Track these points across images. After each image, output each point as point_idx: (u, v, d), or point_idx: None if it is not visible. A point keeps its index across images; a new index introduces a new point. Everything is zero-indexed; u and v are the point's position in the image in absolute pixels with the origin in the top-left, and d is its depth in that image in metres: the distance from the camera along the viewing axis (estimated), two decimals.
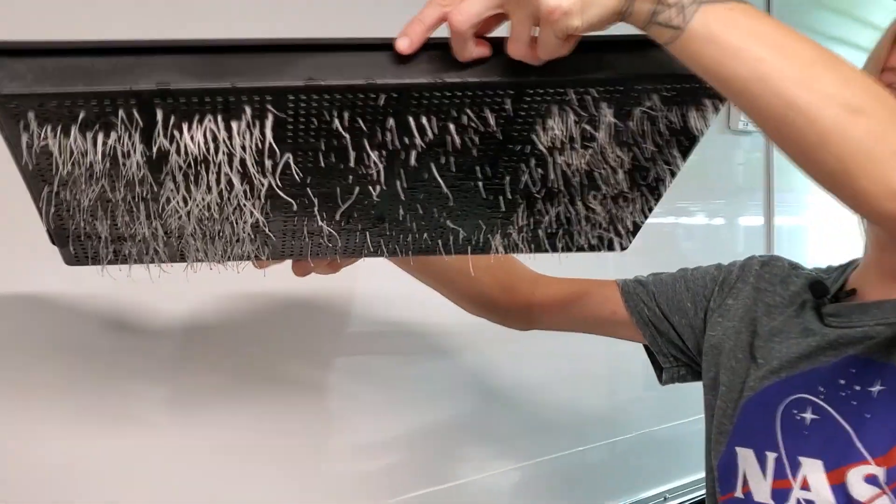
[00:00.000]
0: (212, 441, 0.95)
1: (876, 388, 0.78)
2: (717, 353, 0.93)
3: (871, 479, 0.77)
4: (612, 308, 1.00)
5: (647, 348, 1.02)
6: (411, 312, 1.15)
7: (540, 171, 0.61)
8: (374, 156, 0.55)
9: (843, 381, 0.81)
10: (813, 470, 0.81)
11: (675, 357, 0.99)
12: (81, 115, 0.50)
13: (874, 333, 0.81)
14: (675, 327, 0.98)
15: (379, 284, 1.09)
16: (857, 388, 0.80)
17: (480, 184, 0.62)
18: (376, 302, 1.12)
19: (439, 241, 0.72)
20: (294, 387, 1.05)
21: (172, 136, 0.51)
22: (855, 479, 0.78)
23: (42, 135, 0.50)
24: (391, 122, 0.53)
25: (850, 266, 0.93)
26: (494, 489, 1.28)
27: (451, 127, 0.54)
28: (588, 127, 0.56)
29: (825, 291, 0.88)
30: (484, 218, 0.68)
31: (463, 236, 0.71)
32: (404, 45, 0.53)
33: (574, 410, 1.41)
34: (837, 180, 0.54)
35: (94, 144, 0.51)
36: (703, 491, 1.53)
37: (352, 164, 0.56)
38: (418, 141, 0.54)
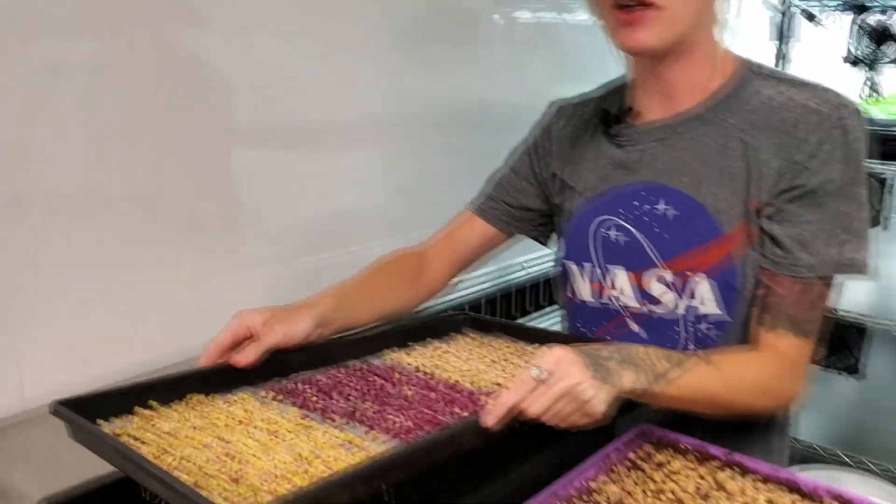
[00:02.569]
0: None
1: (661, 207, 0.96)
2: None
3: (661, 280, 0.98)
4: (480, 232, 1.13)
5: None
6: None
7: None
8: None
9: (636, 203, 0.98)
10: (619, 274, 1.01)
11: (543, 225, 1.16)
12: None
13: (652, 151, 0.97)
14: (530, 207, 1.13)
15: None
16: (647, 207, 0.97)
17: None
18: None
19: None
20: None
21: None
22: (649, 280, 0.99)
23: None
24: None
25: (624, 84, 1.05)
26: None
27: None
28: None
29: (608, 114, 1.02)
30: None
31: None
32: (491, 422, 0.78)
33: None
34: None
35: None
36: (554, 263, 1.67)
37: None
38: None
